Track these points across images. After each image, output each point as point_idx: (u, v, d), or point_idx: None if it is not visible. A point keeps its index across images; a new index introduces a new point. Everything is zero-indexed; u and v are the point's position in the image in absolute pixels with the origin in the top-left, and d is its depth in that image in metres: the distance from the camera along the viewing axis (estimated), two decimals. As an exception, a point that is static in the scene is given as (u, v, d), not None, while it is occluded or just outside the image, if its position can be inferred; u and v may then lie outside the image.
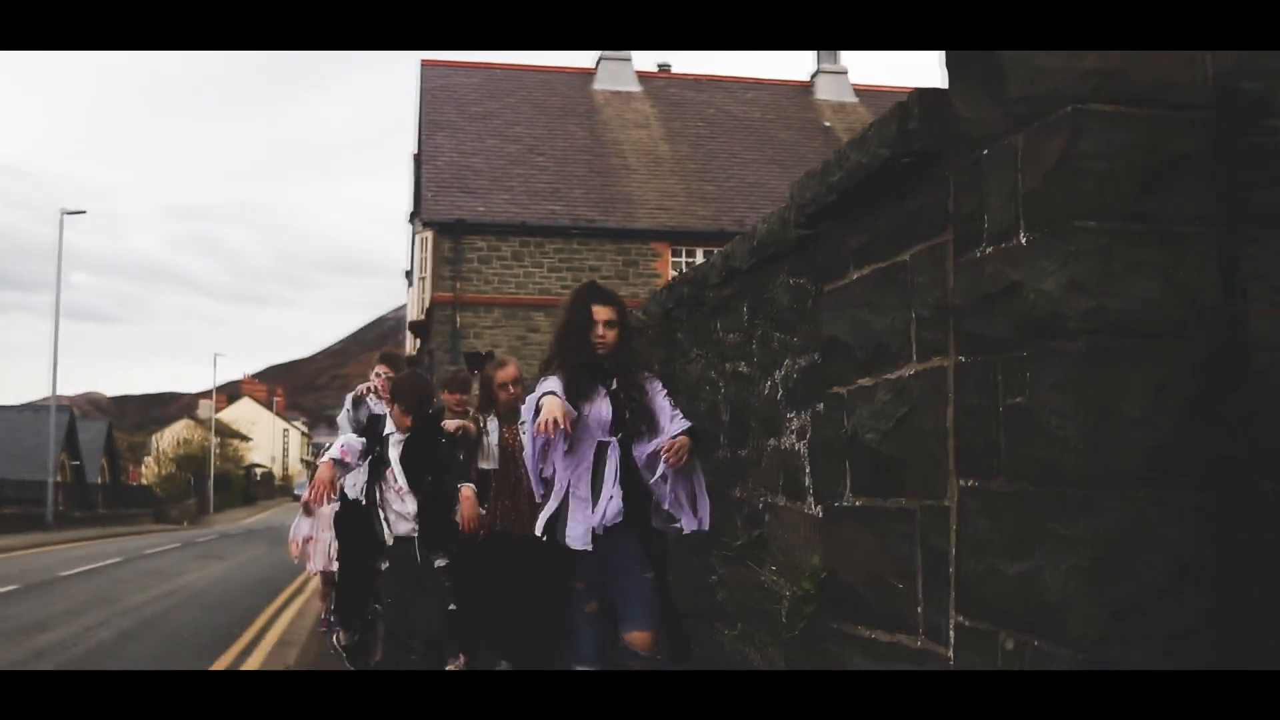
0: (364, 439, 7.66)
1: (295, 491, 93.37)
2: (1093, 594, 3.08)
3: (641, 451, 5.84)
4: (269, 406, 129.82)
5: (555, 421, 5.41)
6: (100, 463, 70.76)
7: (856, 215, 4.37)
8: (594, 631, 5.85)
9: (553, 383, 5.82)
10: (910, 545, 3.98)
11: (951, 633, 3.72)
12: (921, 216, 3.92)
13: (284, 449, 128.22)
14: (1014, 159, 3.35)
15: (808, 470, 5.18)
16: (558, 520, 5.83)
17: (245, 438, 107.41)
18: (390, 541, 7.45)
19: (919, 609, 3.92)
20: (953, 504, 3.72)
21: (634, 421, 5.88)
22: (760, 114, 37.02)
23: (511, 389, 7.70)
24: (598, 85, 36.49)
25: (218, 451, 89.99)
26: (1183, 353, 3.14)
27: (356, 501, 8.86)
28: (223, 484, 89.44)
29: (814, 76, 38.55)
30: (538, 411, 5.56)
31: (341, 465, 7.52)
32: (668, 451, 5.68)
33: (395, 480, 7.42)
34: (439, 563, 7.37)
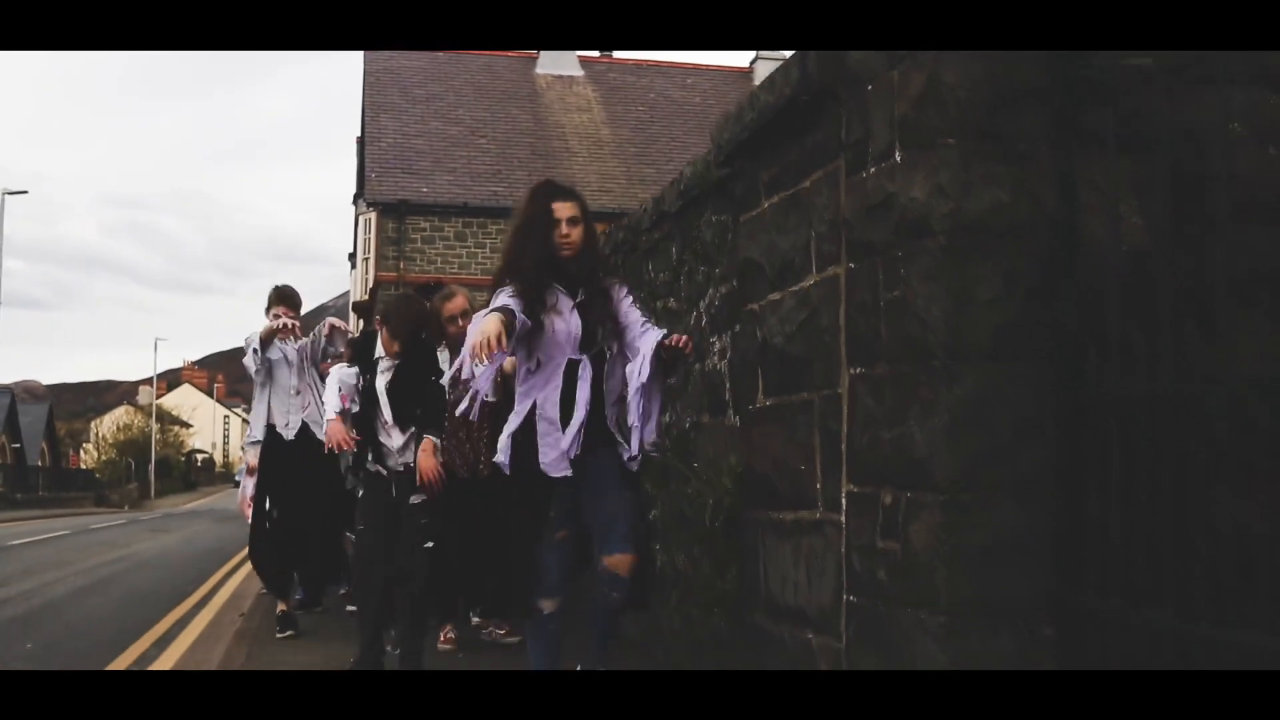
0: (356, 368, 7.00)
1: (236, 478, 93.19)
2: (953, 446, 3.73)
3: (614, 367, 5.32)
4: (210, 393, 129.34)
5: (489, 343, 4.68)
6: (41, 446, 70.66)
7: (767, 150, 5.01)
8: (559, 560, 5.29)
9: (506, 296, 5.11)
10: (810, 431, 4.62)
11: (844, 500, 4.36)
12: (820, 147, 4.56)
13: (225, 435, 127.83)
14: (891, 90, 3.99)
15: (728, 386, 5.82)
16: (523, 444, 5.25)
17: (186, 424, 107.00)
18: (381, 473, 6.92)
19: (818, 485, 4.56)
20: (844, 390, 4.36)
21: (604, 336, 5.29)
22: (700, 99, 37.60)
23: (460, 321, 7.34)
24: (540, 69, 36.92)
25: (158, 438, 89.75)
26: (1027, 248, 3.79)
27: (288, 442, 8.88)
28: (164, 470, 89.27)
29: (753, 63, 39.19)
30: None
31: (348, 414, 6.92)
32: (683, 344, 5.02)
33: (381, 413, 6.84)
34: (415, 499, 6.77)
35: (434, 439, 6.72)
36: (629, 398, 5.19)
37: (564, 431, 5.20)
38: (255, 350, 8.81)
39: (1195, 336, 3.74)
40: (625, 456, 5.26)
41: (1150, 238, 3.81)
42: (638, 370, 5.11)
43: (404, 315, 6.89)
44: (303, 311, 9.22)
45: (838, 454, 4.40)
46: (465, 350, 4.90)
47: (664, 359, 5.14)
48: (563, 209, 5.30)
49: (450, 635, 7.89)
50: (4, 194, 45.55)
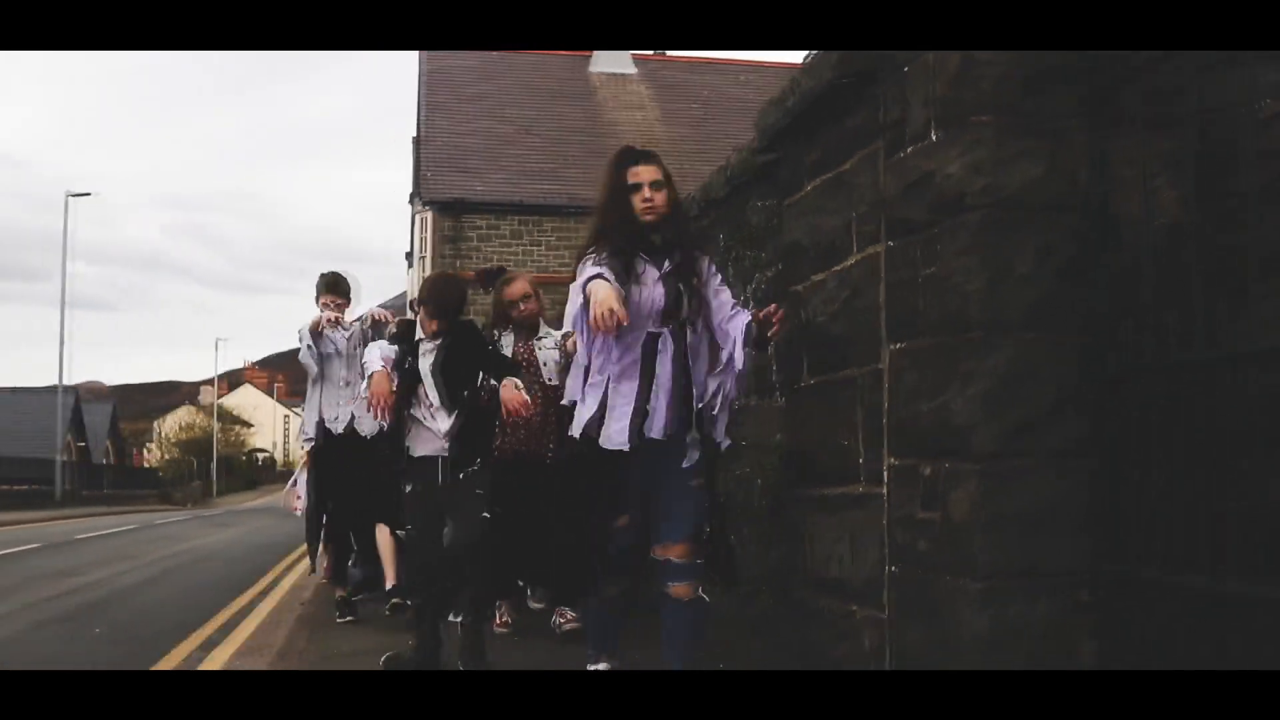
0: (396, 346, 6.64)
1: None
2: (990, 416, 3.82)
3: (699, 347, 5.02)
4: (270, 393, 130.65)
5: (612, 311, 4.49)
6: (105, 445, 71.72)
7: (810, 134, 5.11)
8: (622, 545, 5.07)
9: (593, 266, 4.84)
10: (853, 407, 4.71)
11: (885, 473, 4.46)
12: (860, 129, 4.66)
13: (285, 435, 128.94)
14: (928, 70, 4.09)
15: (774, 368, 5.92)
16: (594, 421, 4.99)
17: (247, 424, 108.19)
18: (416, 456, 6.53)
19: (861, 460, 4.66)
20: (886, 366, 4.46)
21: (690, 310, 5.00)
22: (755, 95, 37.36)
23: (523, 306, 7.42)
24: (594, 68, 37.05)
25: (220, 437, 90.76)
26: (1061, 223, 3.88)
27: (337, 436, 8.61)
28: (225, 468, 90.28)
29: (807, 59, 39.11)
30: (586, 302, 4.63)
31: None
32: (775, 317, 4.93)
33: (426, 395, 6.48)
34: (469, 470, 6.45)
35: (514, 378, 6.30)
36: (711, 383, 4.99)
37: (644, 409, 4.90)
38: (310, 346, 8.54)
39: (1228, 309, 3.81)
40: (693, 441, 4.99)
41: (1183, 212, 3.89)
42: (730, 356, 4.93)
43: (442, 293, 6.60)
44: (361, 312, 9.01)
45: (879, 428, 4.50)
46: (570, 321, 4.95)
47: (753, 334, 4.94)
48: (643, 173, 5.08)
49: (505, 619, 7.83)
50: (68, 196, 46.11)
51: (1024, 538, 3.81)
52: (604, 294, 4.54)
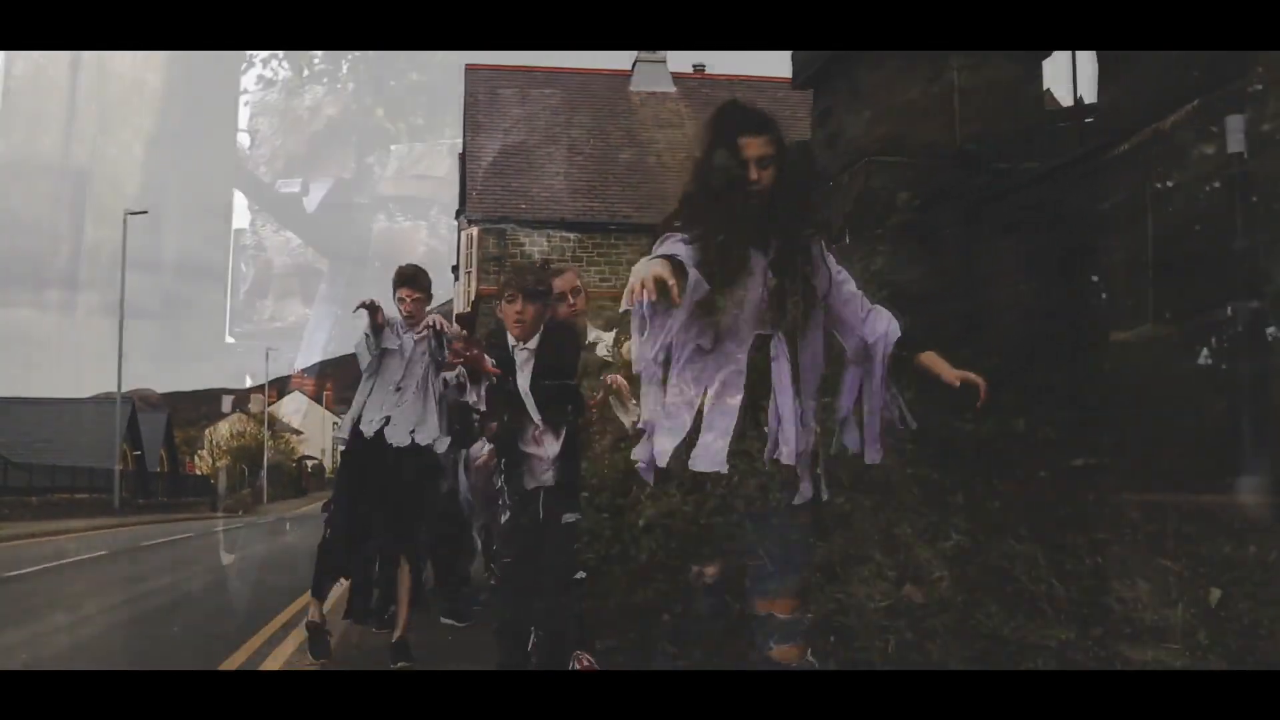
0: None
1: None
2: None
3: (812, 350, 4.21)
4: (319, 401, 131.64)
5: (648, 282, 3.57)
6: (159, 453, 72.71)
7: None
8: (710, 608, 4.28)
9: (677, 243, 3.95)
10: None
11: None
12: (803, 224, 5.81)
13: (334, 442, 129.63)
14: (842, 189, 5.25)
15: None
16: (683, 449, 4.04)
17: (297, 431, 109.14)
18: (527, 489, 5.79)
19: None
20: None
21: (800, 309, 4.12)
22: (789, 113, 38.08)
23: (571, 299, 6.51)
24: (634, 86, 37.70)
25: (270, 444, 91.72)
26: (942, 308, 4.99)
27: (367, 440, 7.59)
28: (275, 476, 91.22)
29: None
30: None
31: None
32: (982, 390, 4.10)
33: (532, 420, 5.71)
34: (568, 518, 5.76)
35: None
36: (846, 396, 4.43)
37: (760, 429, 4.04)
38: (368, 334, 7.43)
39: (1075, 379, 4.91)
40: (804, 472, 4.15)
41: (1039, 299, 5.01)
42: (876, 370, 4.33)
43: (517, 274, 5.99)
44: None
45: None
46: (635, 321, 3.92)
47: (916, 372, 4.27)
48: (752, 146, 4.12)
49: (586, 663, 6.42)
50: (126, 214, 47.09)
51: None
52: (643, 266, 3.69)
